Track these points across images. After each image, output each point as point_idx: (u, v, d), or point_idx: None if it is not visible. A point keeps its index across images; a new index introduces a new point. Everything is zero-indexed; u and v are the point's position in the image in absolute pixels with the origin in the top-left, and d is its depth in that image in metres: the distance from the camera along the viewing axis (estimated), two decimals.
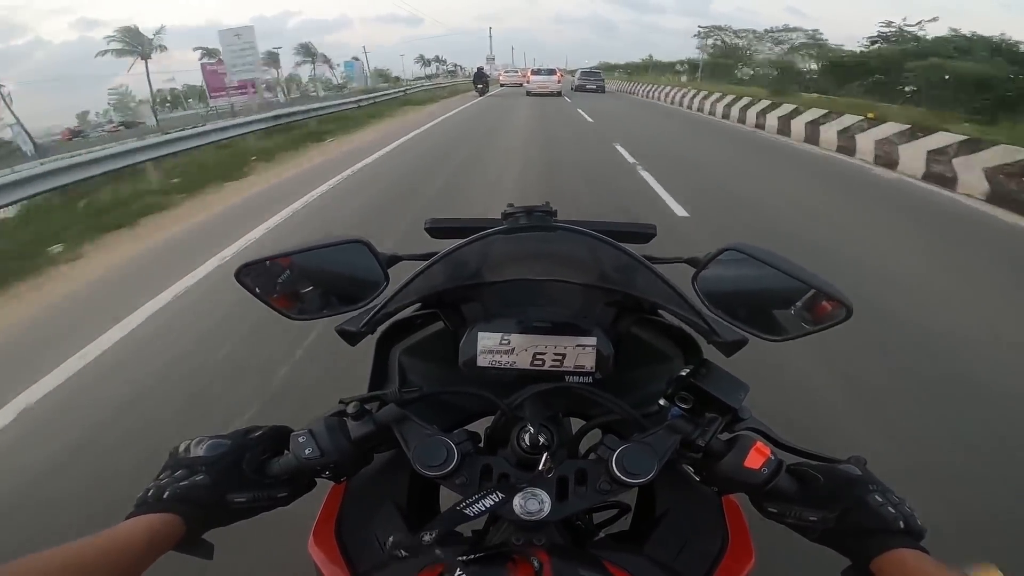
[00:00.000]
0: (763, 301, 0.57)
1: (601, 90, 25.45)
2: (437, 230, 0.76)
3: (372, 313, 0.60)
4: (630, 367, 0.66)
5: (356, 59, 48.82)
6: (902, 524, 0.45)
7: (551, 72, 24.47)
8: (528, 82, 24.30)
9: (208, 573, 1.29)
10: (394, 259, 0.65)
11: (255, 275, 0.60)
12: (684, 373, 0.58)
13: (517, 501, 0.49)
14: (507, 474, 0.51)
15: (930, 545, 0.45)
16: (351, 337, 0.61)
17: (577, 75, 27.25)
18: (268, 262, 0.61)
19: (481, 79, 24.15)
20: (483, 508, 0.47)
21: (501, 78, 33.62)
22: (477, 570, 0.44)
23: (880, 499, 0.47)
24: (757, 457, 0.49)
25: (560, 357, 0.61)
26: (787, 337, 0.56)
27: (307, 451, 0.51)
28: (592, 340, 0.61)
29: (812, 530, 0.50)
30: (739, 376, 0.55)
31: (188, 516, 0.48)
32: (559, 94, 22.90)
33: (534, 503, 0.48)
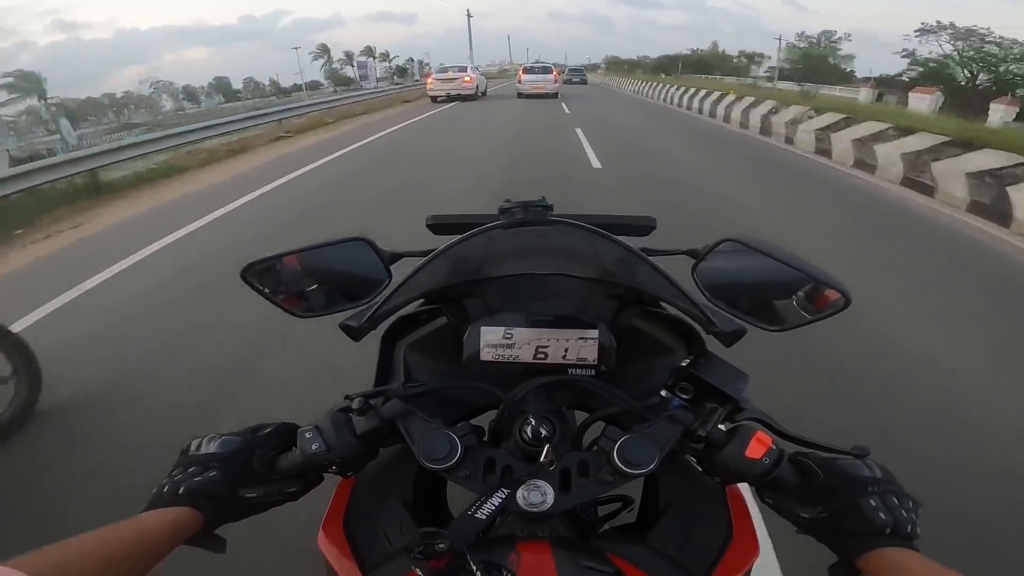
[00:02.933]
0: (763, 292, 0.58)
1: (583, 83, 36.25)
2: (438, 226, 0.76)
3: (374, 309, 0.60)
4: (632, 359, 0.66)
5: None
6: (889, 529, 0.45)
7: (546, 70, 20.53)
8: (520, 82, 20.11)
9: (224, 567, 1.31)
10: (396, 256, 0.66)
11: (260, 273, 0.61)
12: (684, 364, 0.59)
13: (520, 493, 0.49)
14: (510, 466, 0.52)
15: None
16: (354, 332, 0.61)
17: (565, 72, 37.92)
18: (273, 261, 0.61)
19: None
20: (492, 507, 0.48)
21: (430, 84, 18.99)
22: (483, 559, 0.44)
23: (874, 502, 0.46)
24: (758, 447, 0.49)
25: (562, 350, 0.62)
26: (787, 327, 0.56)
27: (314, 447, 0.52)
28: (594, 333, 0.61)
29: (802, 524, 0.50)
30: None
31: (204, 510, 0.49)
32: (555, 95, 19.45)
33: (537, 495, 0.49)
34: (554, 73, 20.27)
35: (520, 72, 21.10)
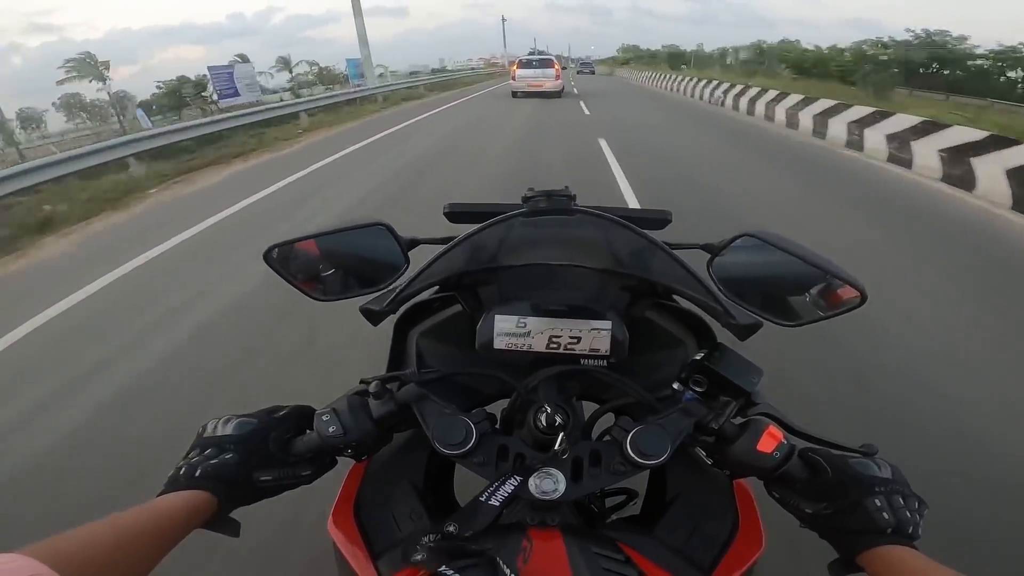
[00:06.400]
0: (778, 287, 0.58)
1: (592, 72, 42.43)
2: (456, 215, 0.76)
3: (395, 294, 0.60)
4: (643, 351, 0.67)
5: None
6: (891, 529, 0.45)
7: (546, 63, 15.99)
8: (514, 79, 15.84)
9: (235, 550, 1.31)
10: (414, 243, 0.66)
11: (282, 256, 0.61)
12: (699, 357, 0.59)
13: (533, 481, 0.50)
14: (523, 454, 0.52)
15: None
16: (374, 316, 0.61)
17: (577, 64, 45.22)
18: (294, 244, 0.62)
19: None
20: (504, 495, 0.48)
21: None
22: (497, 545, 0.45)
23: (879, 502, 0.46)
24: (770, 441, 0.49)
25: (575, 340, 0.62)
26: (801, 323, 0.56)
27: (331, 429, 0.53)
28: (607, 324, 0.62)
29: (806, 519, 0.51)
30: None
31: (219, 493, 0.49)
32: (559, 95, 15.39)
33: (549, 483, 0.50)
34: (556, 67, 15.88)
35: (514, 67, 16.53)
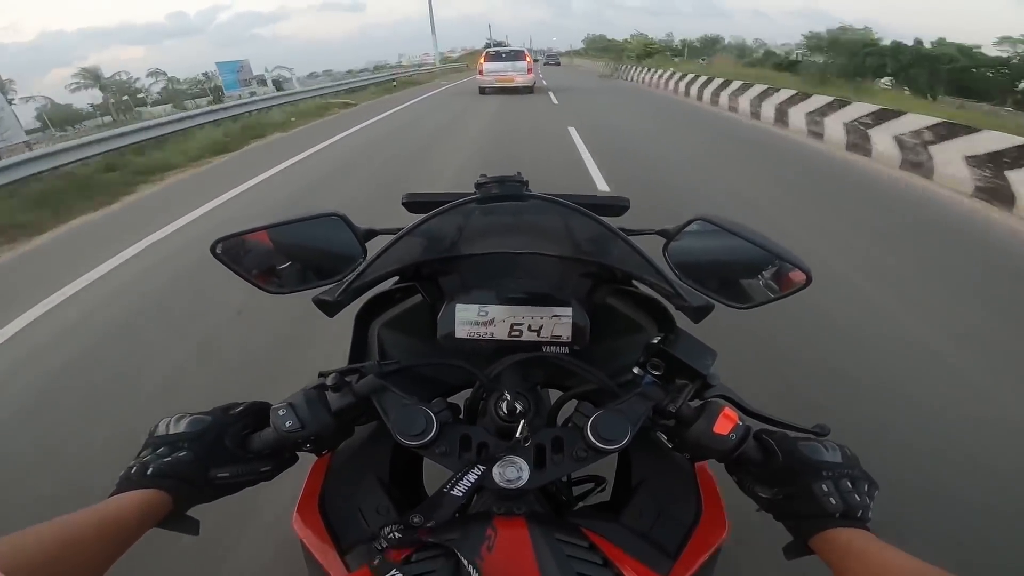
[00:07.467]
0: (731, 270, 0.59)
1: (557, 64, 46.78)
2: (414, 204, 0.75)
3: (348, 283, 0.59)
4: (606, 338, 0.67)
5: None
6: (839, 514, 0.46)
7: (516, 56, 14.79)
8: (481, 74, 14.58)
9: (198, 549, 1.27)
10: (371, 233, 0.65)
11: (231, 249, 0.59)
12: (655, 341, 0.60)
13: (496, 470, 0.50)
14: (486, 443, 0.52)
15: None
16: (328, 307, 0.60)
17: (544, 57, 43.42)
18: (243, 236, 0.60)
19: None
20: (468, 484, 0.48)
21: None
22: (461, 534, 0.45)
23: (827, 487, 0.47)
24: (725, 423, 0.50)
25: (537, 328, 0.62)
26: (753, 304, 0.58)
27: (287, 423, 0.52)
28: (568, 311, 0.62)
29: (761, 503, 0.52)
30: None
31: (174, 492, 0.48)
32: (531, 90, 14.36)
33: (513, 471, 0.50)
34: (527, 60, 14.69)
35: (482, 59, 15.10)
